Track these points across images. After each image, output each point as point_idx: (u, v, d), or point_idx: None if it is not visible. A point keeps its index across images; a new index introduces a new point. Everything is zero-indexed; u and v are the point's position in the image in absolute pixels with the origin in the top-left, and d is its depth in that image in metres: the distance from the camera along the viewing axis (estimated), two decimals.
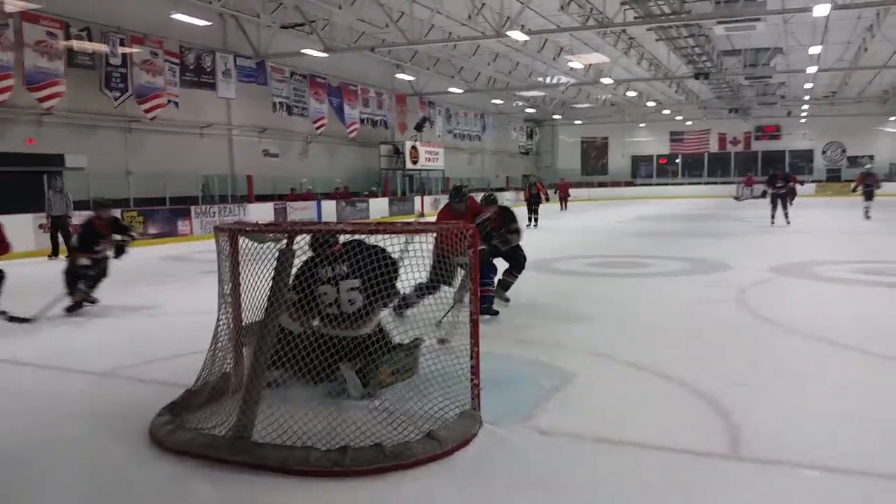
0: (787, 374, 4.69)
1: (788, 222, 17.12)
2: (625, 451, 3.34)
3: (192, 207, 17.94)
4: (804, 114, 40.87)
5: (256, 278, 3.76)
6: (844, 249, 12.20)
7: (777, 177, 17.67)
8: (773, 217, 17.30)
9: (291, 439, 3.35)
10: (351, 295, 4.30)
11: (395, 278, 4.26)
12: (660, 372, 4.73)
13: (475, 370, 3.81)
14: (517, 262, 7.00)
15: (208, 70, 18.92)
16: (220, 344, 4.08)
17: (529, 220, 19.04)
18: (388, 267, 4.12)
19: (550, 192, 28.98)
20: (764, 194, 18.18)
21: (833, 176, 41.07)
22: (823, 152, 42.32)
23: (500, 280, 6.90)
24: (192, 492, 3.15)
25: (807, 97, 35.73)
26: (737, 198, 35.61)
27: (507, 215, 6.96)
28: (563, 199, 29.60)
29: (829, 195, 35.68)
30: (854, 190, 20.14)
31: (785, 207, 17.30)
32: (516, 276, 7.03)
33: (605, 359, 5.08)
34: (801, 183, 19.82)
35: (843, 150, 41.81)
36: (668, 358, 5.06)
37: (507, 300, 7.03)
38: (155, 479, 3.22)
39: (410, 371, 4.40)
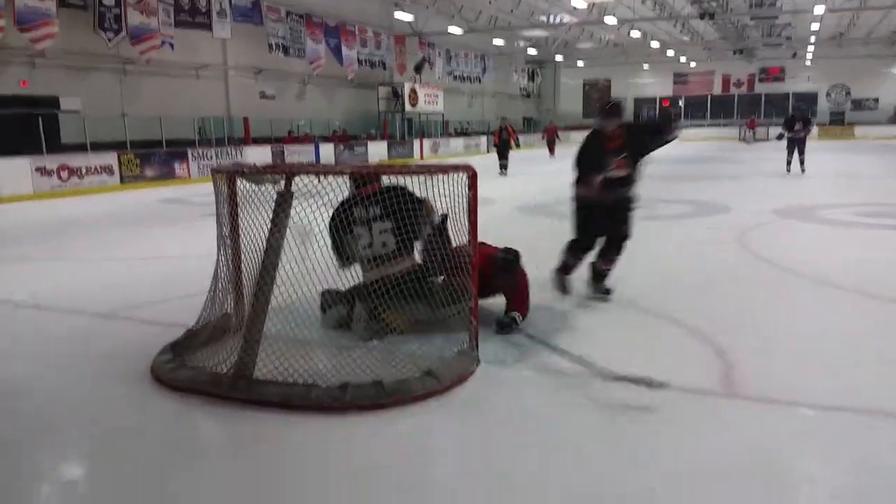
0: (785, 316, 4.73)
1: (804, 170, 15.47)
2: (619, 388, 3.39)
3: (189, 150, 17.79)
4: (809, 55, 40.15)
5: (255, 220, 3.75)
6: (848, 193, 12.15)
7: (795, 119, 15.77)
8: (788, 163, 15.77)
9: (293, 377, 3.41)
10: (383, 237, 4.31)
11: (424, 220, 4.23)
12: (657, 312, 4.78)
13: (473, 311, 3.85)
14: (618, 238, 5.01)
15: (203, 10, 18.53)
16: (220, 285, 4.10)
17: (501, 167, 17.98)
18: (415, 208, 4.11)
19: (537, 136, 28.50)
20: (780, 137, 16.11)
21: (837, 119, 40.66)
22: (828, 95, 41.77)
23: (594, 266, 5.11)
24: (196, 428, 3.23)
25: (813, 38, 35.05)
26: (745, 140, 35.32)
27: (634, 129, 5.06)
28: (551, 144, 26.86)
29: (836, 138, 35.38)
30: None
31: (802, 153, 15.53)
32: (614, 262, 5.08)
33: (593, 302, 5.09)
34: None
35: (848, 93, 41.29)
36: (666, 298, 5.10)
37: (608, 292, 5.08)
38: (159, 415, 3.28)
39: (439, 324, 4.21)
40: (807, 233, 8.23)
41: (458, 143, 31.10)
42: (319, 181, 3.48)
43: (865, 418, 3.12)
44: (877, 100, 40.47)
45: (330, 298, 4.38)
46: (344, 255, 4.29)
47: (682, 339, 4.26)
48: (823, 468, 2.77)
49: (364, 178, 4.37)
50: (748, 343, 4.09)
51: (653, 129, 5.05)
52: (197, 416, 3.29)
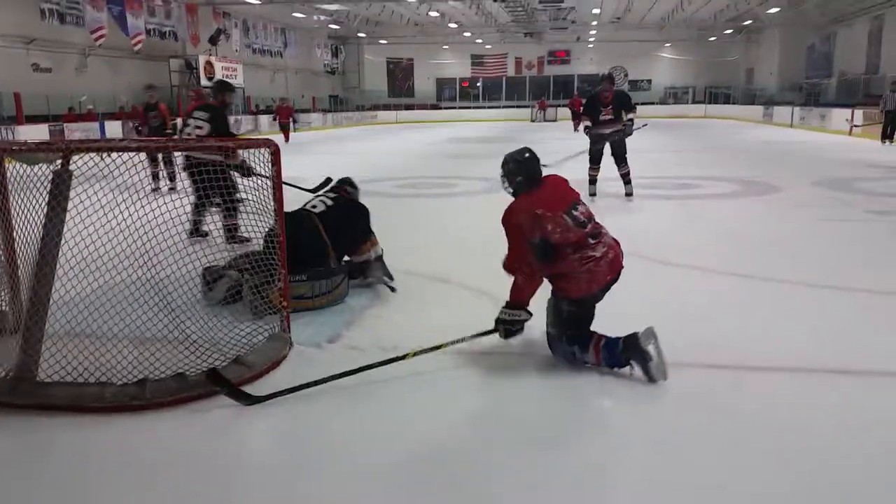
0: None
1: (630, 193, 9.08)
2: (427, 357, 3.47)
3: None
4: (592, 39, 43.46)
5: (30, 205, 3.37)
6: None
7: (603, 98, 8.61)
8: (592, 181, 9.17)
9: (83, 376, 3.12)
10: None
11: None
12: (462, 283, 4.98)
13: (283, 293, 3.75)
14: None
15: None
16: None
17: (154, 163, 8.89)
18: None
19: (344, 115, 26.59)
20: (586, 129, 9.01)
21: None
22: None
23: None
24: None
25: (594, 22, 37.87)
26: (535, 120, 37.52)
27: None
28: (285, 128, 23.12)
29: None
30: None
31: (621, 161, 8.89)
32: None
33: (413, 275, 5.20)
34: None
35: (626, 74, 45.17)
36: (468, 269, 5.31)
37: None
38: None
39: (321, 297, 4.35)
40: (590, 204, 8.91)
41: (262, 120, 29.94)
42: (102, 159, 3.18)
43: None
44: (650, 81, 44.78)
45: (215, 273, 4.20)
46: None
47: (486, 307, 4.43)
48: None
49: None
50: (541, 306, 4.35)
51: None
52: None
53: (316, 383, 3.14)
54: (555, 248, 3.29)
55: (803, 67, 33.26)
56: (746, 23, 35.69)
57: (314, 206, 4.78)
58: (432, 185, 10.95)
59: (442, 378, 3.36)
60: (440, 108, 44.32)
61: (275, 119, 23.89)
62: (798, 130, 24.94)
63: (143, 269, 3.40)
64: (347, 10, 34.73)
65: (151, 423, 2.90)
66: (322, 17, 36.86)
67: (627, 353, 3.22)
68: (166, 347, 3.39)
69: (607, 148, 8.92)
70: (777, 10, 31.22)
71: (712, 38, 42.19)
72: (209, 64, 26.79)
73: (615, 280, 3.39)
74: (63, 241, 3.18)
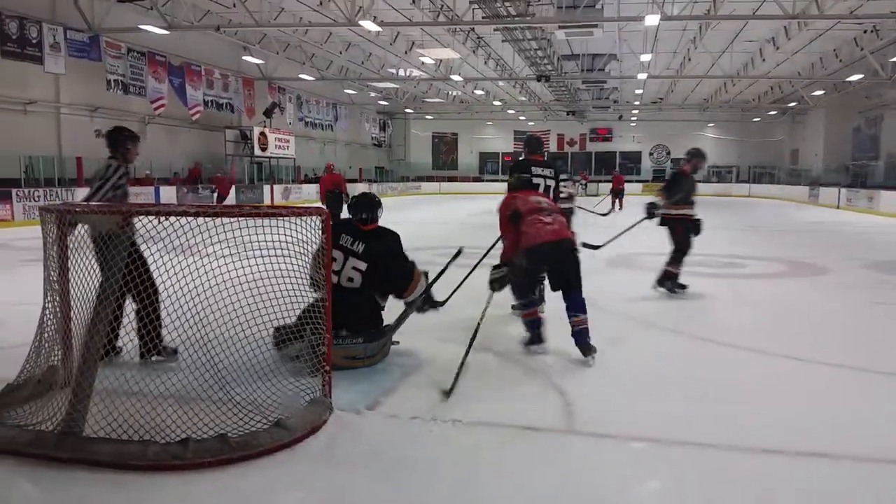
0: (617, 355, 5.04)
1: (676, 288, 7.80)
2: (467, 430, 3.47)
3: (14, 190, 16.30)
4: (634, 118, 44.00)
5: (88, 264, 3.52)
6: (663, 243, 13.21)
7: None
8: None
9: (128, 433, 3.18)
10: (351, 273, 4.64)
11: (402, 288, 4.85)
12: (501, 354, 4.97)
13: (326, 357, 3.80)
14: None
15: (34, 42, 17.26)
16: (46, 335, 3.78)
17: None
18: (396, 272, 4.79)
19: (388, 185, 26.54)
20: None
21: (658, 176, 44.59)
22: (650, 154, 45.83)
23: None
24: (14, 494, 2.91)
25: (637, 102, 38.40)
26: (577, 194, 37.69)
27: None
28: (221, 199, 21.27)
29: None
30: None
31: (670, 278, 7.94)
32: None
33: (453, 343, 5.19)
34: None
35: (668, 153, 45.45)
36: (508, 341, 5.30)
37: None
38: None
39: (370, 358, 4.59)
40: (632, 279, 8.89)
41: (311, 189, 30.73)
42: (160, 222, 3.32)
43: (684, 449, 3.39)
44: None
45: (284, 334, 4.23)
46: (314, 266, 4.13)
47: (524, 378, 4.43)
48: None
49: (366, 216, 4.96)
50: (583, 380, 4.33)
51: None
52: (14, 481, 2.97)
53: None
54: (520, 216, 5.04)
55: (850, 149, 32.99)
56: (791, 104, 35.74)
57: (351, 279, 4.68)
58: (472, 255, 10.99)
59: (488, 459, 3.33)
60: (483, 181, 44.97)
61: (213, 192, 22.29)
62: (845, 212, 24.58)
63: (191, 329, 3.49)
64: (396, 87, 35.87)
65: (190, 486, 2.92)
66: (372, 94, 38.15)
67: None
68: (210, 408, 3.44)
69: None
70: (822, 92, 31.26)
71: (756, 119, 42.32)
72: (263, 135, 27.77)
73: (558, 252, 4.91)
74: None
